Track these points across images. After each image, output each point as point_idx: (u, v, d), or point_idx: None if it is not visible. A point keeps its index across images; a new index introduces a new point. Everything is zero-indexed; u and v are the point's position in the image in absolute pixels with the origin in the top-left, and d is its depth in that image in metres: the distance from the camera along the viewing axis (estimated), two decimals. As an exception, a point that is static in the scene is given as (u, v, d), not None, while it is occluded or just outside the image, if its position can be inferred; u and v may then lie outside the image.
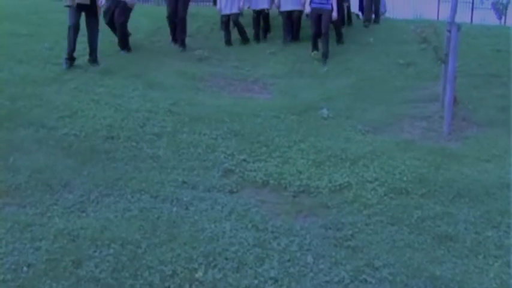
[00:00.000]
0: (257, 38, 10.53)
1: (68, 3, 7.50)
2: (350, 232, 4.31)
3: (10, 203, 4.39)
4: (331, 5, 9.29)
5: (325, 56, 9.22)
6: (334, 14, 9.32)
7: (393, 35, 10.53)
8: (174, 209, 4.49)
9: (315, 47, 9.54)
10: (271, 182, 5.11)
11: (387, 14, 13.41)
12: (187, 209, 4.52)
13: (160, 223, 4.26)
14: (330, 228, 4.36)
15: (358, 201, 4.74)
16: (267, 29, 10.87)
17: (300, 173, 5.22)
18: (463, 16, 17.86)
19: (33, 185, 4.65)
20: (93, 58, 7.91)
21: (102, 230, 4.09)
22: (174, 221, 4.31)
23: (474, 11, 20.26)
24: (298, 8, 10.09)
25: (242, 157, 5.53)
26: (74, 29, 7.57)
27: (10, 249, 3.80)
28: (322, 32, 9.25)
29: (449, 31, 6.46)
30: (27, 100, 6.37)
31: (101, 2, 7.58)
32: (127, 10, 8.57)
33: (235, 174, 5.24)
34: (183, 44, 9.45)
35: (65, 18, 7.88)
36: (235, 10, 10.11)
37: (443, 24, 7.44)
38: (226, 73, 8.64)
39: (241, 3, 10.14)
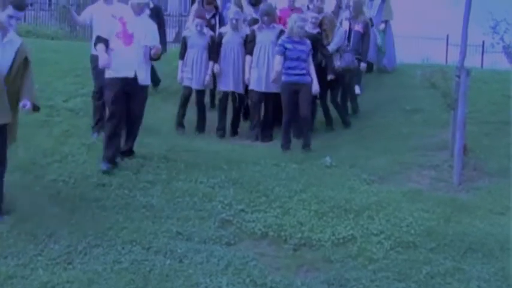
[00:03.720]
0: (221, 130, 8.15)
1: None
2: (354, 289, 4.28)
3: (-9, 253, 4.37)
4: (311, 75, 7.39)
5: (308, 146, 7.24)
6: (315, 87, 7.41)
7: (399, 80, 10.65)
8: (168, 261, 4.47)
9: (287, 140, 7.27)
10: (271, 234, 5.10)
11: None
12: (181, 261, 4.51)
13: (152, 276, 4.24)
14: (333, 284, 4.34)
15: (363, 256, 4.72)
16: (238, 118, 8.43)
17: (301, 224, 5.22)
18: (473, 60, 18.09)
19: (16, 234, 4.64)
20: None
21: (89, 283, 4.07)
22: (167, 274, 4.29)
23: (484, 55, 20.54)
24: (274, 90, 7.81)
25: (240, 207, 5.54)
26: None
27: (-10, 303, 3.78)
28: (303, 115, 7.25)
29: (459, 76, 6.55)
30: (14, 143, 6.41)
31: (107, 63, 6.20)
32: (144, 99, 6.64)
33: (233, 225, 5.24)
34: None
35: (57, 58, 8.02)
36: (198, 85, 8.12)
37: (452, 68, 7.54)
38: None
39: (206, 78, 8.04)
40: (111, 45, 6.16)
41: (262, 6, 8.47)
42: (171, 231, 4.97)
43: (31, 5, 27.22)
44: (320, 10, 8.92)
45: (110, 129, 6.14)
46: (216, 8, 9.26)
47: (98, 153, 6.38)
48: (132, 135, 6.50)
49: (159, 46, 6.32)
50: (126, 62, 6.08)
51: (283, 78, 7.32)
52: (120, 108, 6.15)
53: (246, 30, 8.25)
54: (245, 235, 5.10)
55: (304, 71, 7.28)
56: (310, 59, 7.47)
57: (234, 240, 4.99)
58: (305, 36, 7.53)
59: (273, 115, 8.09)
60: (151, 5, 9.21)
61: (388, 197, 5.84)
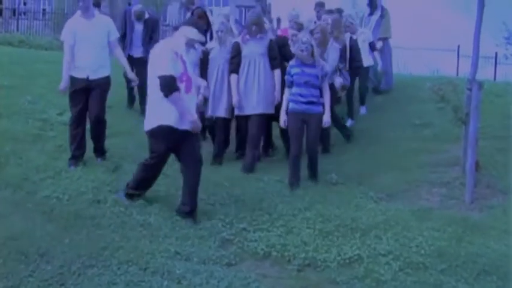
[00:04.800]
0: (217, 156, 7.68)
1: None
2: (361, 312, 4.27)
3: (-21, 274, 4.37)
4: (323, 104, 6.81)
5: (315, 180, 6.88)
6: (327, 119, 6.84)
7: (408, 93, 10.69)
8: (165, 282, 4.46)
9: (295, 177, 6.70)
10: (274, 253, 5.10)
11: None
12: (179, 282, 4.50)
13: (149, 299, 4.23)
14: (339, 308, 4.32)
15: (370, 277, 4.71)
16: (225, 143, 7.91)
17: (306, 244, 5.22)
18: (485, 72, 18.16)
19: (6, 253, 4.62)
20: None
21: (83, 306, 4.05)
22: (165, 296, 4.28)
23: (497, 67, 20.62)
24: (267, 111, 7.46)
25: (242, 226, 5.55)
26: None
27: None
28: (309, 150, 6.83)
29: (470, 89, 6.56)
30: (5, 159, 6.45)
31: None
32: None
33: (234, 244, 5.24)
34: (102, 152, 6.94)
35: (51, 69, 8.06)
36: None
37: (463, 81, 7.56)
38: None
39: (199, 97, 6.89)
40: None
41: (249, 14, 7.92)
42: (169, 251, 4.97)
43: (24, 14, 27.47)
44: (300, 26, 8.70)
45: (148, 176, 5.77)
46: (208, 23, 8.89)
47: (93, 168, 6.40)
48: (193, 193, 5.69)
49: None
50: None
51: (290, 106, 6.74)
52: (165, 160, 5.74)
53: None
54: (247, 255, 5.10)
55: (315, 99, 6.67)
56: (326, 85, 6.83)
57: (235, 261, 4.99)
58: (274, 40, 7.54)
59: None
60: (147, 15, 9.24)
61: (396, 215, 5.84)
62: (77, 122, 6.64)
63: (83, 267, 4.56)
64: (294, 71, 6.68)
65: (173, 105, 5.36)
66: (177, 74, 5.37)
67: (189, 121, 5.43)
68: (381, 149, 8.07)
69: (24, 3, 34.43)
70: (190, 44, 5.68)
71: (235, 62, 7.47)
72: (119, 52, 6.96)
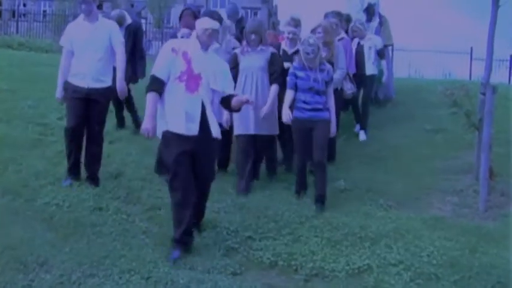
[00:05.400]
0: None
1: None
2: (371, 324, 4.26)
3: (-23, 284, 4.38)
4: (329, 111, 6.48)
5: (322, 199, 6.32)
6: (333, 128, 6.51)
7: (419, 97, 10.68)
8: (168, 292, 4.46)
9: (302, 186, 6.54)
10: (280, 263, 5.09)
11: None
12: (183, 293, 4.49)
13: (151, 309, 4.23)
14: (348, 319, 4.31)
15: (380, 288, 4.70)
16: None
17: (313, 253, 5.20)
18: (499, 76, 18.15)
19: (4, 262, 4.62)
20: None
21: (84, 316, 4.05)
22: (168, 307, 4.28)
23: (512, 70, 20.60)
24: (260, 132, 6.81)
25: (247, 234, 5.53)
26: None
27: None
28: (317, 160, 6.38)
29: (484, 93, 6.57)
30: (4, 165, 6.46)
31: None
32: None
33: (239, 253, 5.23)
34: (94, 179, 6.33)
35: (51, 72, 8.05)
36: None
37: (477, 85, 7.57)
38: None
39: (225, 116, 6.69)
40: (168, 89, 5.12)
41: (249, 22, 7.35)
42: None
43: (24, 15, 27.64)
44: (297, 23, 7.70)
45: (178, 200, 5.13)
46: None
47: (94, 175, 6.42)
48: (201, 211, 5.51)
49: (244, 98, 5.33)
50: (187, 114, 5.09)
51: (294, 113, 6.38)
52: (185, 173, 5.11)
53: (232, 42, 7.38)
54: (252, 264, 5.09)
55: (320, 105, 6.35)
56: (331, 90, 6.51)
57: (241, 270, 4.98)
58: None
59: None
60: (129, 21, 8.33)
61: (407, 224, 5.82)
62: (72, 135, 6.19)
63: (83, 277, 4.56)
64: (299, 74, 6.38)
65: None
66: (175, 72, 5.07)
67: (142, 127, 5.06)
68: (391, 155, 8.06)
69: (24, 5, 34.66)
70: (209, 36, 5.13)
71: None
72: (118, 58, 6.35)
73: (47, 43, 17.98)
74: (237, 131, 6.84)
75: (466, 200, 6.53)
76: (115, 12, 8.42)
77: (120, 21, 7.94)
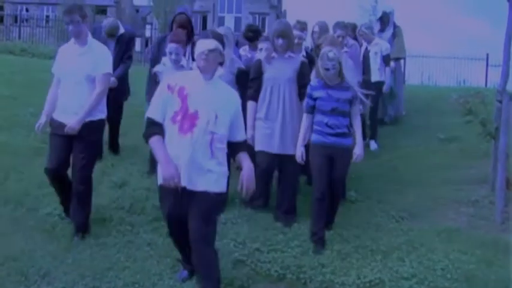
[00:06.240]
0: None
1: None
2: None
3: (-23, 296, 4.40)
4: (354, 134, 5.82)
5: (330, 224, 5.90)
6: (359, 151, 5.80)
7: (432, 105, 10.68)
8: (173, 306, 4.47)
9: (319, 223, 5.65)
10: (289, 276, 5.08)
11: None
12: (188, 307, 4.50)
13: (155, 324, 4.23)
14: (359, 335, 4.29)
15: (393, 302, 4.69)
16: None
17: (323, 266, 5.19)
18: (516, 82, 18.06)
19: (5, 274, 4.65)
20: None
21: (86, 330, 4.06)
22: (173, 321, 4.28)
23: (530, 77, 20.53)
24: (289, 152, 6.08)
25: (255, 246, 5.52)
26: None
27: None
28: (335, 192, 5.78)
29: (500, 101, 6.55)
30: (5, 173, 6.49)
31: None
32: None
33: (247, 265, 5.22)
34: (81, 228, 5.48)
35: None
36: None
37: (493, 92, 7.54)
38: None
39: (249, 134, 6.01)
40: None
41: (275, 24, 6.68)
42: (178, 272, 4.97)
43: (26, 21, 27.85)
44: (303, 26, 7.66)
45: (174, 241, 4.80)
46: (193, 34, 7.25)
47: (98, 184, 6.43)
48: None
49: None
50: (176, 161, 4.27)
51: (313, 138, 5.72)
52: (179, 234, 4.61)
53: (237, 62, 6.49)
54: (260, 277, 5.08)
55: (344, 130, 5.66)
56: (356, 110, 5.79)
57: (248, 283, 4.96)
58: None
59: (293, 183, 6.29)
60: (122, 30, 7.79)
61: (420, 236, 5.81)
62: (53, 177, 5.50)
63: (86, 289, 4.58)
64: (317, 94, 5.65)
65: None
66: (169, 113, 4.31)
67: (162, 175, 4.27)
68: (403, 164, 8.05)
69: (27, 10, 34.90)
70: (206, 60, 4.31)
71: (254, 87, 6.19)
72: (98, 92, 5.44)
73: (50, 49, 18.09)
74: (258, 147, 6.17)
75: (481, 211, 6.51)
76: (107, 22, 7.86)
77: (112, 32, 7.63)
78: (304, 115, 5.78)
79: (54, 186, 5.56)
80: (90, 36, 5.58)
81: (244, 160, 4.37)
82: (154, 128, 4.34)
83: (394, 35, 10.26)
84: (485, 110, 7.03)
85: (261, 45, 6.36)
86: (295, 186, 6.30)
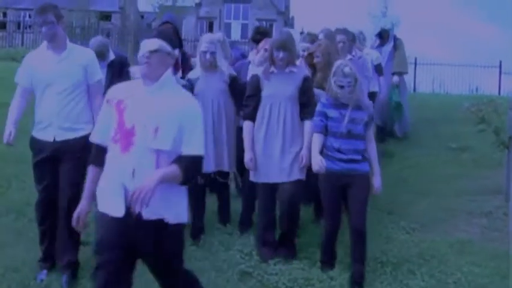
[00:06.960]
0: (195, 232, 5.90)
1: None
2: None
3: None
4: (370, 160, 5.26)
5: (360, 279, 5.10)
6: (377, 183, 5.30)
7: (443, 114, 10.67)
8: (178, 319, 4.44)
9: (329, 256, 5.38)
10: (296, 289, 5.07)
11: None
12: (193, 320, 4.47)
13: (159, 337, 4.21)
14: None
15: (403, 316, 4.67)
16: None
17: (331, 279, 5.18)
18: (530, 90, 18.02)
19: (6, 285, 4.66)
20: None
21: None
22: (177, 335, 4.25)
23: (544, 84, 20.51)
24: (290, 178, 5.46)
25: (262, 257, 5.52)
26: None
27: None
28: (354, 227, 5.14)
29: (514, 109, 6.56)
30: (7, 182, 6.51)
31: None
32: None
33: (254, 278, 5.21)
34: (69, 267, 4.96)
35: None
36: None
37: (506, 100, 7.53)
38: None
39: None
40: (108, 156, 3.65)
41: (275, 35, 6.28)
42: (183, 284, 4.96)
43: (29, 27, 27.99)
44: (313, 38, 7.16)
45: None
46: (180, 43, 6.98)
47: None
48: None
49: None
50: (117, 184, 3.55)
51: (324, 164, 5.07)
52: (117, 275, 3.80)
53: (229, 69, 6.12)
54: (267, 290, 5.08)
55: (359, 155, 5.13)
56: (371, 134, 5.27)
57: (254, 296, 4.97)
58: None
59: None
60: (112, 57, 7.27)
61: (431, 248, 5.79)
62: (43, 208, 5.04)
63: (88, 302, 4.58)
64: (330, 114, 5.15)
65: None
66: (111, 131, 3.61)
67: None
68: (414, 174, 8.04)
69: (30, 16, 35.07)
70: (148, 64, 3.58)
71: (251, 105, 5.60)
72: (96, 105, 4.83)
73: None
74: (254, 177, 5.63)
75: (495, 223, 6.49)
76: (95, 41, 7.16)
77: (101, 53, 6.71)
78: (315, 135, 5.18)
79: (45, 229, 5.03)
80: (67, 40, 5.02)
81: (161, 169, 3.50)
82: (93, 154, 3.76)
83: (396, 48, 10.20)
84: (498, 119, 7.03)
85: (262, 44, 6.27)
86: (294, 215, 5.68)
